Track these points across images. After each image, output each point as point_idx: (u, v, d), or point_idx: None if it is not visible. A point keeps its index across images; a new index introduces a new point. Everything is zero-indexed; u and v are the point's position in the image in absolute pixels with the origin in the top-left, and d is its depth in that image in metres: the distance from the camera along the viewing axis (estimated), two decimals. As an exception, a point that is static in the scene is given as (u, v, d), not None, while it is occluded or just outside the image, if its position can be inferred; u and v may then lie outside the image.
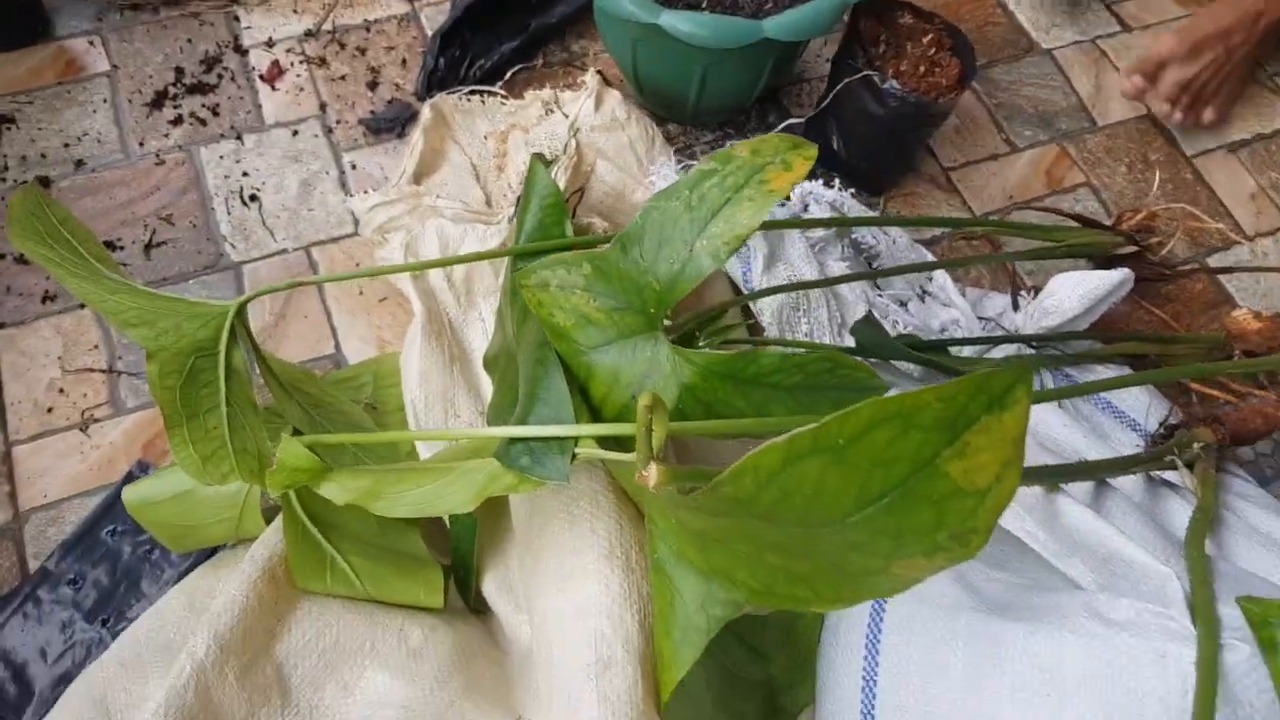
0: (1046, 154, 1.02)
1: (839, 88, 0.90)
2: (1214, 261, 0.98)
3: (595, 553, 0.53)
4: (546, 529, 0.56)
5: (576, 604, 0.51)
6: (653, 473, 0.38)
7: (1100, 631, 0.46)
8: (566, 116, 0.85)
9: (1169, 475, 0.72)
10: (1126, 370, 0.86)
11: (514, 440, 0.52)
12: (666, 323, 0.66)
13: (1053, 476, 0.56)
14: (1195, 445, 0.73)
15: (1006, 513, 0.57)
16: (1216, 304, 0.95)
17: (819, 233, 0.82)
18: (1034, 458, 0.67)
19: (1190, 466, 0.72)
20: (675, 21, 0.81)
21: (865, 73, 0.87)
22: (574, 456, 0.51)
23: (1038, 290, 0.89)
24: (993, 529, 0.39)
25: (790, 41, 0.84)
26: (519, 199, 0.75)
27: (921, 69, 0.89)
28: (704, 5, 0.93)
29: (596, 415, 0.56)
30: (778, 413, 0.54)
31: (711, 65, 0.87)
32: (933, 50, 0.90)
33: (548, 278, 0.56)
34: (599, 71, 1.00)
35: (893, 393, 0.67)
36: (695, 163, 0.84)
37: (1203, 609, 0.45)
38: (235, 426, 0.57)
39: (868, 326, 0.68)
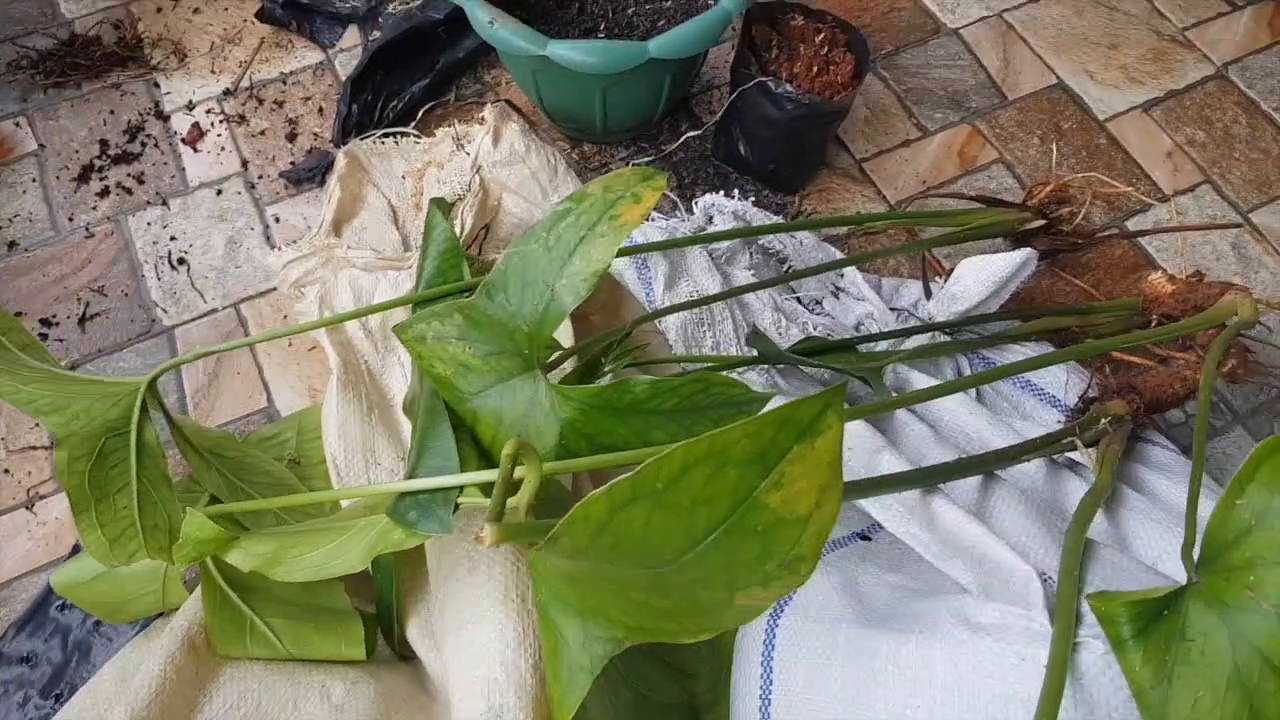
0: (958, 135, 1.04)
1: (735, 96, 0.92)
2: (1134, 224, 0.99)
3: (491, 598, 0.55)
4: (451, 574, 0.59)
5: (472, 651, 0.53)
6: (486, 533, 0.40)
7: (965, 639, 0.48)
8: (469, 155, 0.87)
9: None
10: (1046, 347, 0.87)
11: (403, 495, 0.55)
12: (558, 356, 0.68)
13: (928, 478, 0.58)
14: (1103, 420, 0.75)
15: (893, 516, 0.59)
16: (1137, 267, 0.96)
17: (726, 243, 0.84)
18: (931, 451, 0.68)
19: (1098, 443, 0.74)
20: (562, 51, 0.83)
21: (759, 79, 0.89)
22: (456, 507, 0.53)
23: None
24: (820, 553, 0.41)
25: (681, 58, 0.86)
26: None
27: (815, 69, 0.90)
28: (600, 30, 0.95)
29: (489, 458, 0.58)
30: (660, 438, 0.56)
31: (609, 88, 0.89)
32: (826, 49, 0.92)
33: (423, 330, 0.58)
34: (508, 101, 1.02)
35: (780, 400, 0.68)
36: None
37: (1062, 608, 0.47)
38: (146, 504, 0.59)
39: (759, 338, 0.70)
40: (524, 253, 0.56)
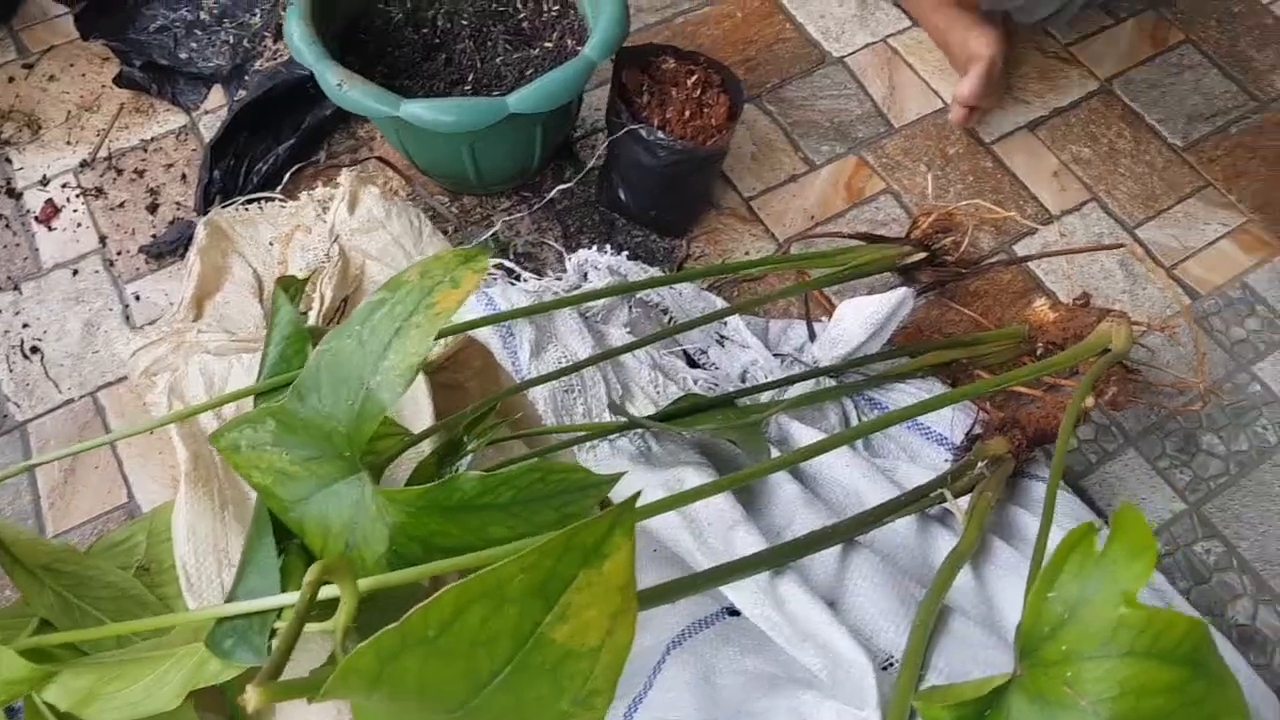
0: (845, 167, 1.02)
1: (608, 144, 0.89)
2: (1022, 247, 0.98)
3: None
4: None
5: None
6: (249, 696, 0.37)
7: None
8: (327, 223, 0.83)
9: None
10: (934, 382, 0.85)
11: (222, 619, 0.51)
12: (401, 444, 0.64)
13: (782, 558, 0.55)
14: (980, 464, 0.73)
15: (747, 598, 0.56)
16: (1027, 292, 0.95)
17: (602, 300, 0.81)
18: (800, 514, 0.66)
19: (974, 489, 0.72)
20: (417, 111, 0.80)
21: (629, 127, 0.86)
22: (273, 632, 0.49)
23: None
24: (615, 685, 0.38)
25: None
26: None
27: (688, 113, 0.88)
28: (468, 82, 0.92)
29: (322, 567, 0.55)
30: (499, 533, 0.53)
31: (476, 143, 0.86)
32: (699, 91, 0.89)
33: (236, 439, 0.54)
34: (381, 158, 0.99)
35: (646, 472, 0.65)
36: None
37: (898, 704, 0.44)
38: (-46, 641, 0.55)
39: (621, 411, 0.67)
40: (336, 349, 0.53)
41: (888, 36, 1.11)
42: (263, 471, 0.54)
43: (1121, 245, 0.90)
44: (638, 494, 0.39)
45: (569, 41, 0.94)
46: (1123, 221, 1.00)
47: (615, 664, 0.37)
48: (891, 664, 0.47)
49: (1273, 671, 0.78)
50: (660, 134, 0.86)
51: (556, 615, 0.37)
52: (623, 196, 0.94)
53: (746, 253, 0.96)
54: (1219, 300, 0.96)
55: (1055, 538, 0.68)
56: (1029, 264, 0.96)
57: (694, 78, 0.90)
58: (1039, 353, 0.87)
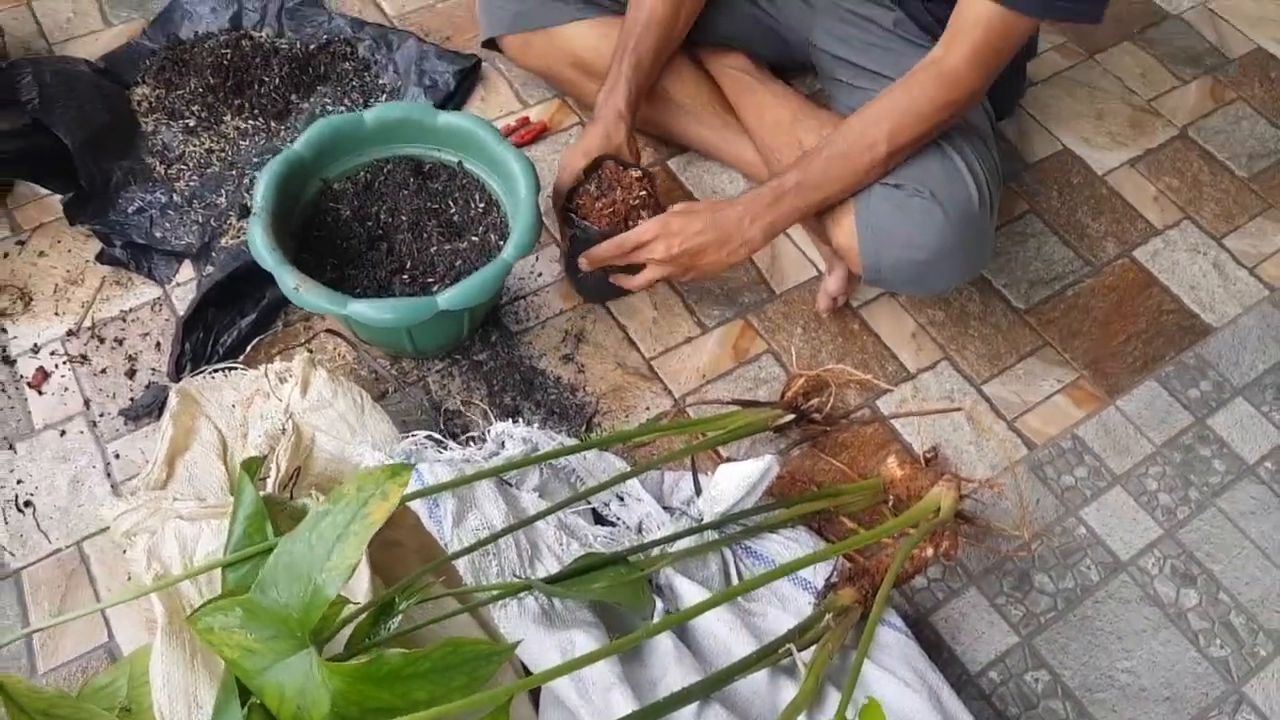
0: (733, 329, 1.19)
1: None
2: (883, 402, 1.15)
3: None
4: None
5: None
6: None
7: None
8: (281, 401, 0.98)
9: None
10: (802, 531, 1.01)
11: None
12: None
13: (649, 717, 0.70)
14: (827, 616, 0.88)
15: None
16: (886, 443, 1.12)
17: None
18: (671, 670, 0.81)
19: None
20: (361, 309, 0.95)
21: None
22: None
23: (731, 459, 1.05)
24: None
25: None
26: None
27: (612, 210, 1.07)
28: (405, 270, 1.08)
29: (277, 724, 0.69)
30: (421, 696, 0.67)
31: (413, 328, 1.02)
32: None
33: (210, 622, 0.68)
34: (330, 330, 1.14)
35: (566, 635, 0.79)
36: (410, 435, 0.98)
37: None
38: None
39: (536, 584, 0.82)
40: (291, 551, 0.68)
41: (775, 211, 1.29)
42: (231, 647, 0.68)
43: (960, 408, 1.08)
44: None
45: (492, 236, 1.10)
46: (970, 378, 1.17)
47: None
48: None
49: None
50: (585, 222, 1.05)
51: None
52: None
53: (647, 408, 1.12)
54: (1052, 450, 1.13)
55: (891, 688, 0.84)
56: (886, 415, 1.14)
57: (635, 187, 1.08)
58: (891, 503, 1.03)
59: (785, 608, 0.95)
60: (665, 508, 1.00)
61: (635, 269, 1.07)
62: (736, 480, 0.96)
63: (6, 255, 1.19)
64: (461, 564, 0.87)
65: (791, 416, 1.06)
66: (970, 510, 1.05)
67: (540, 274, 1.22)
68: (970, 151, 1.07)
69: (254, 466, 0.84)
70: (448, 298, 0.97)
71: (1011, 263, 1.28)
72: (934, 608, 1.02)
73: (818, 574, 0.97)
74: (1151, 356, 1.20)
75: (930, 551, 0.97)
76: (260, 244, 0.99)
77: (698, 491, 1.01)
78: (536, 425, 1.00)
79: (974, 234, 1.04)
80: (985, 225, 1.06)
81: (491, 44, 1.32)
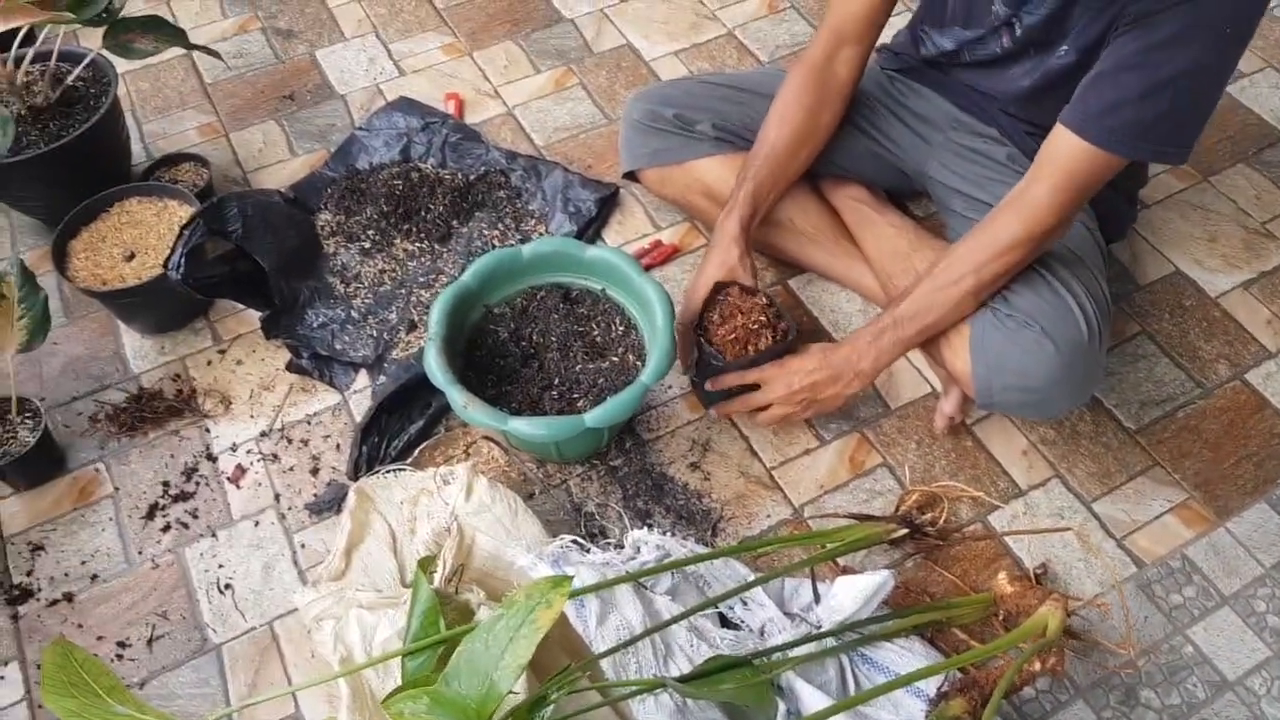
0: (850, 443, 1.27)
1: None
2: (995, 517, 1.21)
3: None
4: None
5: None
6: None
7: None
8: (447, 503, 1.11)
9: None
10: (915, 640, 1.07)
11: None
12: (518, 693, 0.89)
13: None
14: (938, 723, 0.95)
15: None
16: (998, 557, 1.18)
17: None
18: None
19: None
20: (519, 426, 1.09)
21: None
22: None
23: (848, 570, 1.13)
24: None
25: (612, 420, 1.11)
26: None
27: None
28: (554, 386, 1.21)
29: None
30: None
31: (560, 441, 1.14)
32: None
33: (402, 708, 0.80)
34: (487, 437, 1.28)
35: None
36: (557, 539, 1.09)
37: None
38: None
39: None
40: (470, 650, 0.79)
41: (890, 329, 1.38)
42: (417, 732, 0.80)
43: (1069, 528, 1.13)
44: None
45: (630, 357, 1.23)
46: (1081, 496, 1.23)
47: None
48: None
49: None
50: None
51: None
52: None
53: (768, 516, 1.21)
54: (1161, 570, 1.17)
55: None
56: (997, 530, 1.19)
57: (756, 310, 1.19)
58: (1001, 617, 1.09)
59: (898, 713, 1.02)
60: (786, 613, 1.08)
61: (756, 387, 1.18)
62: (854, 593, 1.04)
63: (210, 363, 1.37)
64: (603, 662, 0.98)
65: (905, 531, 1.13)
66: (1077, 626, 1.09)
67: (670, 387, 1.33)
68: (1079, 285, 1.14)
69: (428, 565, 0.97)
70: (593, 416, 1.09)
71: (1123, 383, 1.33)
72: (1041, 718, 1.07)
73: (930, 682, 1.03)
74: (1263, 479, 1.23)
75: (1038, 666, 1.02)
76: (434, 366, 1.13)
77: (816, 599, 1.09)
78: (667, 530, 1.10)
79: (1083, 366, 1.11)
80: (1094, 357, 1.12)
81: (631, 175, 1.47)
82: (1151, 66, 0.98)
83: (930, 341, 1.19)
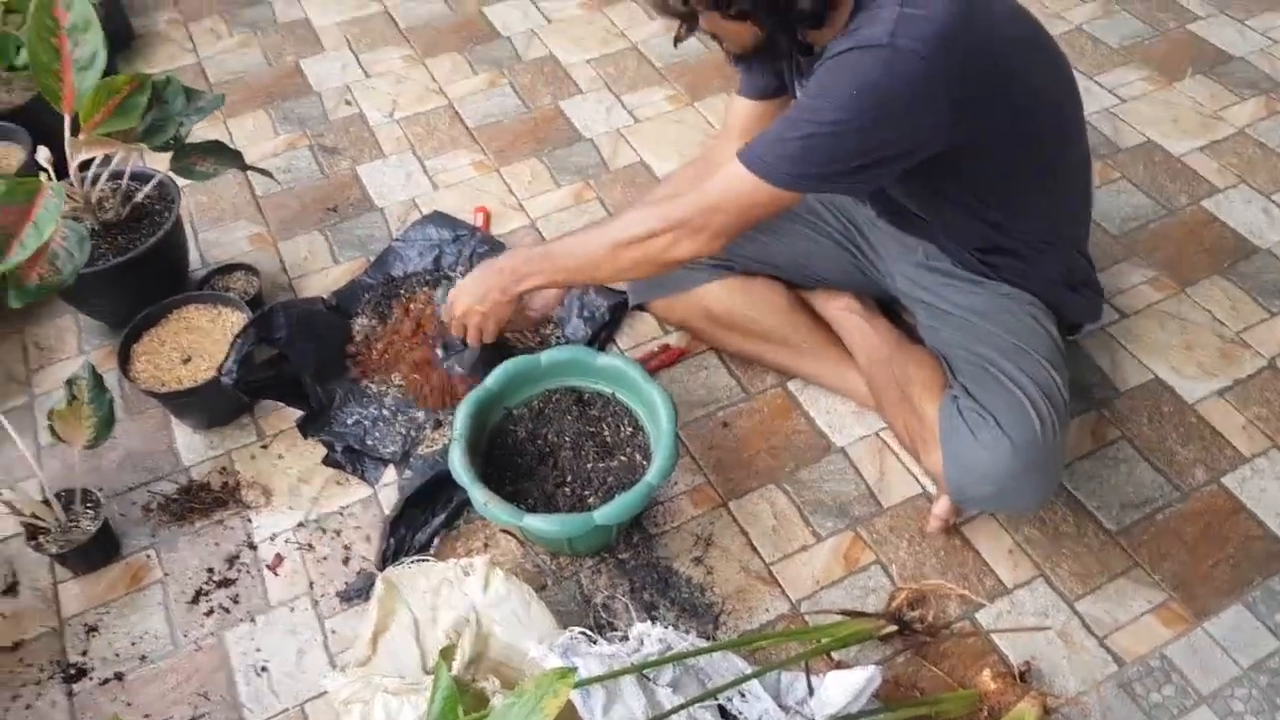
0: (844, 540, 1.36)
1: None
2: (982, 615, 1.28)
3: None
4: None
5: None
6: None
7: None
8: (466, 595, 1.21)
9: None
10: (904, 734, 1.14)
11: None
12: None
13: None
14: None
15: None
16: (984, 654, 1.25)
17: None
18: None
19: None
20: (533, 522, 1.19)
21: None
22: None
23: (841, 664, 1.21)
24: None
25: (619, 519, 1.20)
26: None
27: None
28: (567, 484, 1.31)
29: None
30: None
31: (573, 536, 1.24)
32: None
33: (421, 789, 0.89)
34: (505, 531, 1.37)
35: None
36: (568, 630, 1.18)
37: None
38: None
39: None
40: (484, 735, 0.88)
41: (880, 430, 1.48)
42: (436, 810, 0.88)
43: (1049, 628, 1.20)
44: None
45: (638, 456, 1.33)
46: (1064, 595, 1.30)
47: None
48: None
49: None
50: None
51: None
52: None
53: (767, 610, 1.29)
54: (1141, 669, 1.23)
55: None
56: (984, 627, 1.26)
57: None
58: (986, 713, 1.16)
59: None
60: (781, 706, 1.16)
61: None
62: (844, 688, 1.11)
63: (254, 457, 1.49)
64: (607, 747, 1.05)
65: (895, 627, 1.21)
66: (1053, 723, 1.16)
67: (676, 482, 1.43)
68: (1027, 379, 1.23)
69: (449, 655, 1.07)
70: (601, 514, 1.19)
71: (1104, 486, 1.40)
72: (1025, 813, 1.12)
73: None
74: (1239, 581, 1.29)
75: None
76: (459, 465, 1.24)
77: (810, 692, 1.17)
78: (671, 623, 1.18)
79: (1040, 459, 1.19)
80: (1051, 450, 1.20)
81: (640, 306, 1.60)
82: (790, 114, 1.11)
83: (910, 443, 1.29)
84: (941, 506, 1.32)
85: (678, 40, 1.20)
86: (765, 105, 1.34)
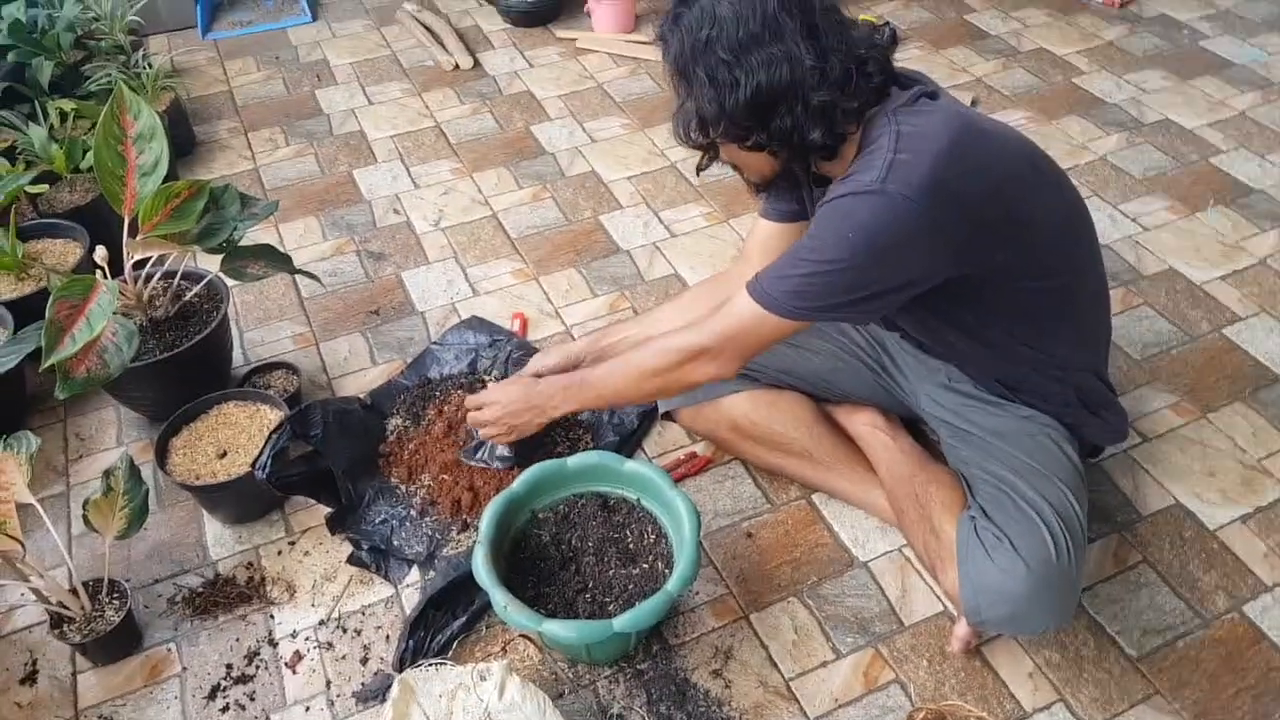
0: (864, 657, 1.35)
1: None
2: (1002, 738, 1.26)
3: None
4: None
5: None
6: None
7: None
8: (481, 700, 1.21)
9: None
10: None
11: None
12: None
13: None
14: None
15: None
16: (1004, 778, 1.22)
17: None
18: None
19: None
20: (552, 628, 1.20)
21: None
22: None
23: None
24: None
25: (638, 627, 1.21)
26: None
27: None
28: (588, 590, 1.32)
29: None
30: None
31: (590, 643, 1.24)
32: None
33: None
34: (524, 636, 1.38)
35: None
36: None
37: None
38: None
39: None
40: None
41: (903, 546, 1.48)
42: None
43: (1070, 754, 1.18)
44: None
45: (660, 565, 1.34)
46: (1084, 721, 1.28)
47: None
48: None
49: None
50: None
51: None
52: (693, 679, 1.29)
53: (784, 729, 1.28)
54: (1162, 798, 1.20)
55: None
56: (1007, 753, 1.24)
57: None
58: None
59: None
60: (795, 826, 1.14)
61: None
62: (858, 807, 1.10)
63: (280, 553, 1.51)
64: None
65: (911, 749, 1.19)
66: None
67: (697, 592, 1.43)
68: (1044, 503, 1.24)
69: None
70: (620, 622, 1.20)
71: (1124, 610, 1.39)
72: None
73: None
74: (1260, 713, 1.27)
75: None
76: (481, 568, 1.26)
77: (825, 813, 1.15)
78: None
79: (1055, 583, 1.19)
80: (1066, 574, 1.21)
81: (668, 415, 1.64)
82: (793, 250, 1.17)
83: (928, 561, 1.30)
84: (963, 627, 1.32)
85: (699, 169, 1.27)
86: (786, 228, 1.40)
